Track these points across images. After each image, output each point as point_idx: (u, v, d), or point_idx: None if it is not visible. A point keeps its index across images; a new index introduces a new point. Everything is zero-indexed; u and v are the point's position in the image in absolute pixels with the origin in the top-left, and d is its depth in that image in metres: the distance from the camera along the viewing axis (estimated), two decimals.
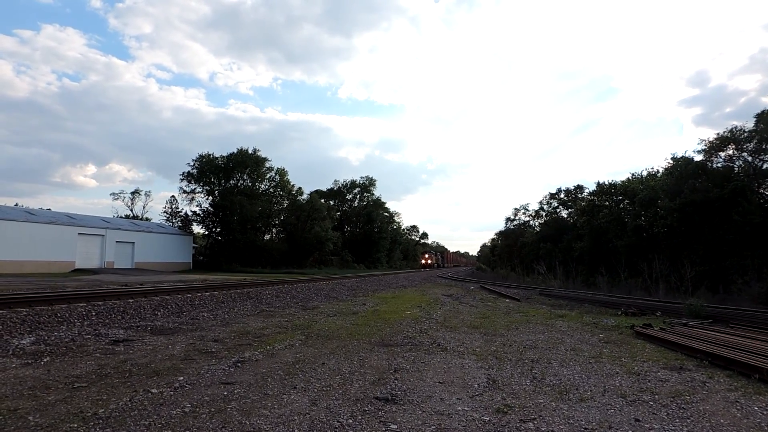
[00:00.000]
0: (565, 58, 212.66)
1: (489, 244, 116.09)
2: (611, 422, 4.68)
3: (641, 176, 39.36)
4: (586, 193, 49.80)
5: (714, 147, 29.48)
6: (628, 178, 40.83)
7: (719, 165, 29.37)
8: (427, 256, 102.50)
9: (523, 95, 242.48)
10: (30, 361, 6.74)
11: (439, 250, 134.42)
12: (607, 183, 41.82)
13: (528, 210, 64.25)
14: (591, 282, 32.06)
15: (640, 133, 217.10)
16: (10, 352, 7.31)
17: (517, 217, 66.29)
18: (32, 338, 8.47)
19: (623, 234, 33.57)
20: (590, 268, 34.86)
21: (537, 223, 60.81)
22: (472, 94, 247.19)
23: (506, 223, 68.56)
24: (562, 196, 56.08)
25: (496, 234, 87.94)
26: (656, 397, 5.62)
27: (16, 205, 59.19)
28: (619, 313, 15.50)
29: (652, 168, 39.62)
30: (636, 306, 16.60)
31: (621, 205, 38.79)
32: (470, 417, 4.76)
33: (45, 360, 6.84)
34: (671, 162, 32.86)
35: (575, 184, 55.43)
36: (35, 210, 49.74)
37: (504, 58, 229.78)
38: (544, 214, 59.40)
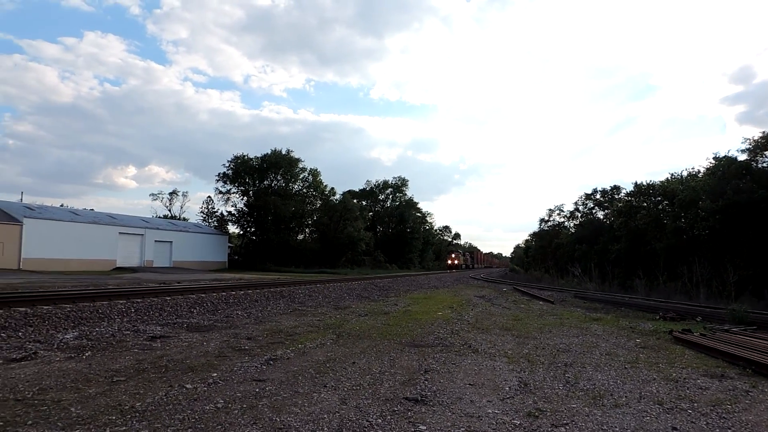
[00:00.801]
0: (601, 55, 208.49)
1: (522, 245, 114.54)
2: (647, 430, 4.56)
3: (681, 176, 38.25)
4: (623, 194, 48.76)
5: (759, 146, 28.42)
6: (667, 179, 39.74)
7: (765, 165, 28.29)
8: (453, 255, 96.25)
9: (558, 94, 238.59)
10: (73, 355, 6.99)
11: (469, 250, 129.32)
12: (645, 183, 40.88)
13: (563, 211, 63.34)
14: (628, 285, 31.27)
15: (679, 132, 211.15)
16: (55, 346, 7.61)
17: (551, 218, 65.42)
18: (75, 333, 8.78)
19: (662, 236, 32.70)
20: (627, 270, 34.04)
21: (572, 224, 59.90)
22: (505, 93, 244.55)
23: (540, 224, 67.74)
24: (598, 196, 55.02)
25: (529, 235, 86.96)
26: (695, 405, 5.45)
27: (62, 205, 61.54)
28: (657, 317, 15.08)
29: (693, 168, 38.50)
30: (675, 310, 16.12)
31: (660, 206, 37.80)
32: (500, 420, 4.72)
33: (87, 354, 7.08)
34: (713, 162, 31.86)
35: (612, 185, 54.39)
36: (79, 210, 51.58)
37: (538, 56, 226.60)
38: (579, 215, 58.41)
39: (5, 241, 37.40)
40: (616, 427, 4.62)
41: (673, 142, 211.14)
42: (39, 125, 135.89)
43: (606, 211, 52.20)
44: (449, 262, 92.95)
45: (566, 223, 62.26)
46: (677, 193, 33.66)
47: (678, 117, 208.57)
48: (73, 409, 4.52)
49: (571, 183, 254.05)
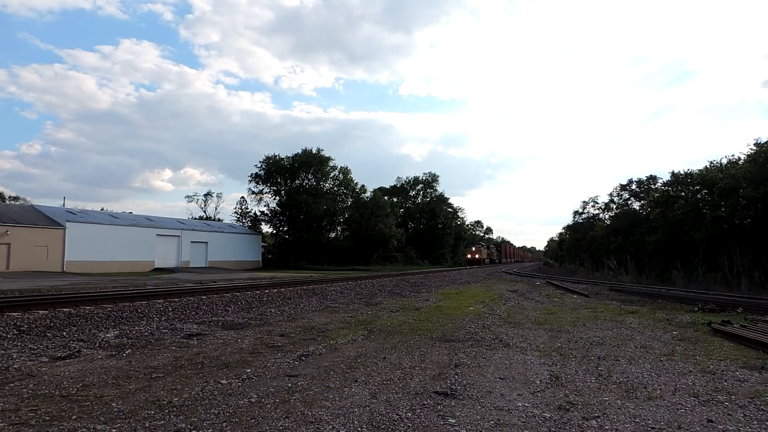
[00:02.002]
0: (635, 43, 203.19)
1: (556, 238, 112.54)
2: (681, 422, 4.49)
3: (720, 164, 36.93)
4: (659, 184, 47.50)
5: None
6: (706, 167, 38.39)
7: None
8: (474, 249, 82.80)
9: (591, 83, 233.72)
10: (114, 353, 7.26)
11: (495, 243, 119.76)
12: (682, 172, 39.62)
13: (597, 203, 62.07)
14: (665, 277, 30.52)
15: (718, 119, 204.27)
16: (97, 345, 7.91)
17: (585, 210, 64.18)
18: (116, 332, 9.10)
19: (701, 226, 31.76)
20: (664, 262, 33.19)
21: (607, 216, 58.64)
22: (537, 84, 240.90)
23: (574, 217, 66.54)
24: (633, 187, 53.77)
25: (563, 228, 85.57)
26: (732, 397, 5.33)
27: (102, 209, 63.53)
28: (696, 309, 14.70)
29: (733, 155, 36.98)
30: (714, 302, 15.67)
31: (699, 196, 36.68)
32: (530, 413, 4.71)
33: (127, 352, 7.34)
34: (754, 148, 30.74)
35: (648, 175, 52.92)
36: (119, 214, 53.15)
37: (569, 45, 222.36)
38: (614, 206, 57.22)
39: (49, 245, 38.86)
40: (648, 419, 4.56)
41: (713, 129, 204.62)
42: (79, 132, 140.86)
43: (642, 201, 50.99)
44: (468, 256, 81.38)
45: (601, 215, 61.01)
46: (717, 181, 32.58)
47: (717, 103, 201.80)
48: (114, 404, 4.71)
49: (605, 174, 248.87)
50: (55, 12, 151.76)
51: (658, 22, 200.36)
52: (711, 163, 38.54)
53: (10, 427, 4.05)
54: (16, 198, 75.64)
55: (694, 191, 37.60)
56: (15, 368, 6.17)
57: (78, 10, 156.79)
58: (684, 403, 5.10)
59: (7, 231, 36.41)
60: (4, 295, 14.42)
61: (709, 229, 30.64)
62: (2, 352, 7.21)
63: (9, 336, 8.38)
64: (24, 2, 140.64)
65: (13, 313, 10.23)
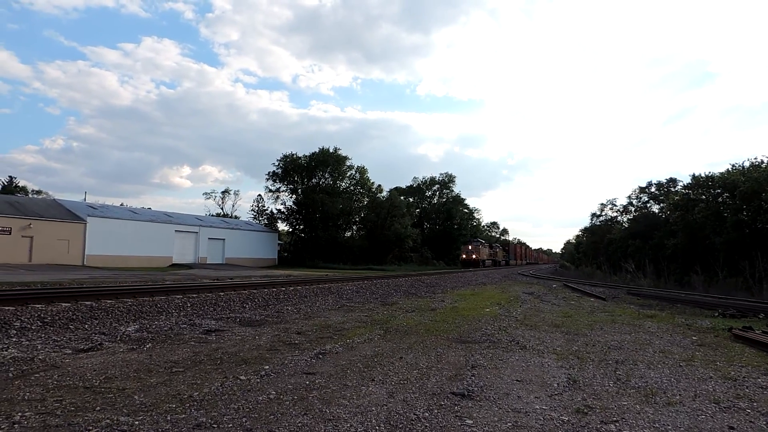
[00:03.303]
0: (655, 43, 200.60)
1: (573, 240, 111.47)
2: (701, 429, 4.44)
3: (743, 167, 36.25)
4: (679, 187, 46.83)
5: None
6: (728, 170, 37.71)
7: None
8: (470, 248, 67.29)
9: (610, 84, 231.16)
10: (135, 347, 7.38)
11: (500, 242, 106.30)
12: (703, 175, 38.96)
13: (615, 205, 61.53)
14: (685, 281, 30.10)
15: (741, 121, 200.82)
16: (118, 338, 8.05)
17: (603, 213, 63.65)
18: (136, 326, 9.25)
19: (722, 230, 31.24)
20: (684, 266, 32.73)
21: (625, 219, 58.09)
22: (555, 85, 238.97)
23: (592, 219, 66.07)
24: (653, 189, 53.15)
25: (580, 231, 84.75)
26: (754, 404, 5.25)
27: (122, 204, 64.43)
28: (716, 314, 14.47)
29: (756, 158, 36.25)
30: (735, 307, 15.42)
31: (720, 199, 36.05)
32: (548, 416, 4.69)
33: (147, 346, 7.46)
34: None
35: (668, 177, 52.23)
36: (138, 209, 53.91)
37: (588, 46, 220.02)
38: (633, 209, 56.62)
39: (71, 238, 39.54)
40: (668, 425, 4.52)
41: (735, 131, 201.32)
42: (100, 128, 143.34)
43: (661, 204, 50.36)
44: (464, 256, 66.62)
45: (619, 217, 60.50)
46: (739, 184, 32.00)
47: (740, 104, 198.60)
48: (136, 397, 4.80)
49: (624, 176, 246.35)
50: (80, 9, 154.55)
51: (679, 23, 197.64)
52: (733, 166, 37.92)
53: (37, 416, 4.15)
54: (38, 192, 77.25)
55: (715, 194, 36.98)
56: (40, 359, 6.31)
57: (101, 8, 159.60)
58: (704, 409, 5.04)
59: (30, 224, 37.15)
60: (27, 287, 14.73)
61: (730, 233, 30.13)
62: (27, 342, 7.38)
63: (33, 327, 8.57)
64: (50, 1, 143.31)
65: (37, 305, 10.46)
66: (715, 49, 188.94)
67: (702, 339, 9.69)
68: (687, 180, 41.76)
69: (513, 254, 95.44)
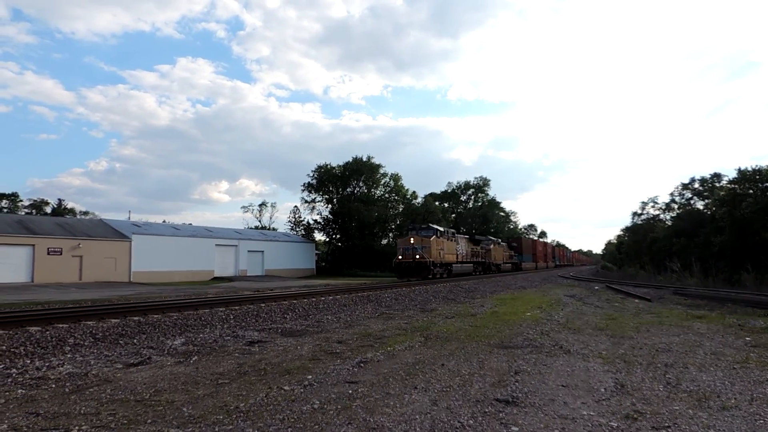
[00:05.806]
0: (692, 36, 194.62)
1: (614, 240, 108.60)
2: None
3: None
4: (725, 182, 45.02)
5: None
6: None
7: None
8: (413, 241, 32.82)
9: (646, 80, 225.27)
10: (182, 360, 7.57)
11: (514, 238, 76.13)
12: (750, 169, 37.39)
13: (657, 203, 59.51)
14: (734, 280, 28.87)
15: None
16: (166, 352, 8.27)
17: (645, 211, 61.65)
18: (182, 339, 9.49)
19: None
20: (733, 264, 31.42)
21: (668, 217, 56.20)
22: (588, 83, 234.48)
23: (633, 218, 64.02)
24: (696, 185, 51.21)
25: (621, 230, 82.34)
26: None
27: (164, 221, 66.36)
28: None
29: None
30: None
31: None
32: (596, 422, 4.58)
33: (194, 359, 7.64)
34: None
35: (712, 172, 50.17)
36: (179, 225, 55.31)
37: (622, 41, 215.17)
38: (676, 206, 54.74)
39: (117, 256, 40.90)
40: (724, 430, 4.35)
41: None
42: (141, 148, 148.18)
43: (706, 201, 48.53)
44: (399, 257, 33.38)
45: (662, 215, 58.50)
46: None
47: None
48: (185, 409, 4.92)
49: (665, 173, 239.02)
50: (118, 35, 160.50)
51: (716, 13, 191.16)
52: None
53: (93, 430, 4.30)
54: (85, 213, 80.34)
55: (763, 188, 35.41)
56: (93, 374, 6.54)
57: (138, 33, 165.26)
58: (762, 413, 4.83)
59: (79, 244, 38.63)
60: (79, 305, 15.30)
61: None
62: (81, 358, 7.67)
63: (86, 344, 8.89)
64: (90, 28, 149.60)
65: (89, 322, 10.85)
66: (756, 38, 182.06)
67: (756, 340, 9.29)
68: (732, 174, 40.16)
69: (531, 254, 69.21)
